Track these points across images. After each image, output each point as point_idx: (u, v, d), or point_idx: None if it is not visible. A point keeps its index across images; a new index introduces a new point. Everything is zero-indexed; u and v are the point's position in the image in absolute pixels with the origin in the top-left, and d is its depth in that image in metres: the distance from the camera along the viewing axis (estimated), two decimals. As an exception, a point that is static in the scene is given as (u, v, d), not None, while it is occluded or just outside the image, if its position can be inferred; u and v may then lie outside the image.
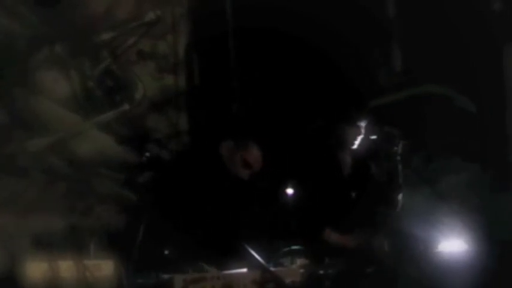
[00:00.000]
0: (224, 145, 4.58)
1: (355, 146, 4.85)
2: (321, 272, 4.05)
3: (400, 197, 4.82)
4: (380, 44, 6.30)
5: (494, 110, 5.88)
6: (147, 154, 4.15)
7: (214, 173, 4.64)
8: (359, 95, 5.01)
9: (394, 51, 6.33)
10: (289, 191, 4.61)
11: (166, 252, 4.09)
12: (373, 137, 4.79)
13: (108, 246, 4.11)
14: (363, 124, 4.83)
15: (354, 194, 4.82)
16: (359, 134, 4.83)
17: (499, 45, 5.96)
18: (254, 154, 4.57)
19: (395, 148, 4.79)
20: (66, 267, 3.64)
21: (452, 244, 4.53)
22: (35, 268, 3.62)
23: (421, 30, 6.04)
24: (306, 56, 5.93)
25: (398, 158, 4.83)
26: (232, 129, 5.53)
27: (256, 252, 3.89)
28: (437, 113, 5.87)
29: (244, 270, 3.91)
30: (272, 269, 3.86)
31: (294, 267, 4.02)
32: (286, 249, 4.20)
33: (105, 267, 3.68)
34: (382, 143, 4.85)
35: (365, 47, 6.14)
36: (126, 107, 5.81)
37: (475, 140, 5.72)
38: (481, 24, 5.87)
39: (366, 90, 5.84)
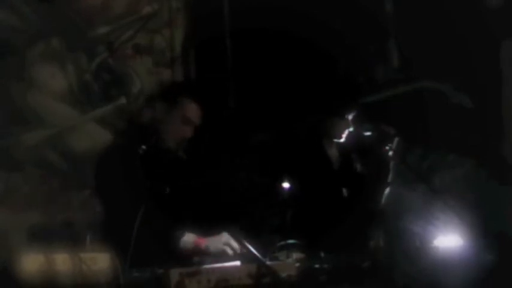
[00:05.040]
0: (158, 107, 4.41)
1: (342, 140, 4.81)
2: (317, 266, 4.03)
3: (385, 193, 4.78)
4: (376, 39, 6.30)
5: (491, 105, 5.88)
6: (143, 147, 4.14)
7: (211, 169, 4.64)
8: (347, 88, 4.97)
9: (391, 47, 6.33)
10: (285, 184, 4.58)
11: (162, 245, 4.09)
12: (368, 133, 4.75)
13: (104, 239, 4.12)
14: (349, 117, 4.78)
15: (339, 188, 4.80)
16: (346, 127, 4.77)
17: (497, 41, 5.96)
18: (192, 108, 4.40)
19: (389, 145, 4.74)
20: (62, 261, 3.64)
21: (448, 239, 4.52)
22: (31, 261, 3.62)
23: (418, 25, 6.03)
24: (303, 52, 5.93)
25: (391, 154, 4.76)
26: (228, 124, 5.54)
27: (252, 246, 3.89)
28: (433, 108, 5.87)
29: (240, 263, 3.91)
30: (268, 262, 3.85)
31: (290, 261, 4.00)
32: (281, 243, 4.19)
33: (101, 260, 3.68)
34: (375, 139, 4.81)
35: (361, 43, 6.14)
36: (123, 100, 5.83)
37: (470, 136, 5.72)
38: (478, 20, 5.86)
39: (362, 86, 5.84)
